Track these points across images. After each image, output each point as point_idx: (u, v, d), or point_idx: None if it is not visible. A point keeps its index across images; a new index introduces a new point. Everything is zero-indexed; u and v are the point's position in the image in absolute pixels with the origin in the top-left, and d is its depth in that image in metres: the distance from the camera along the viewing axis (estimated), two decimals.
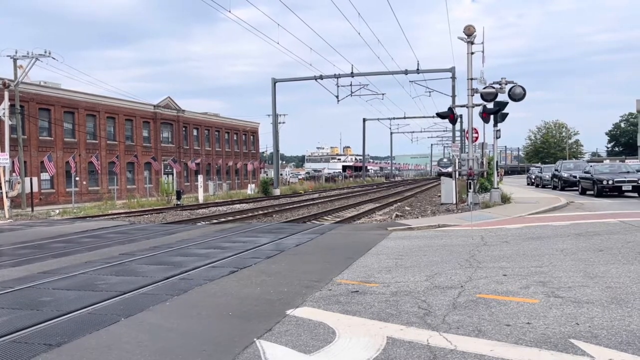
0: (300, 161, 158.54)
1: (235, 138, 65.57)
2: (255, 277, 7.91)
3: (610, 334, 4.66)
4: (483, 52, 18.69)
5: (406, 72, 38.19)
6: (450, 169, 64.08)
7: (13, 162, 31.05)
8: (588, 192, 25.08)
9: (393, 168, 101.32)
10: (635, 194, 22.82)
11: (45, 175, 38.11)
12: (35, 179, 31.12)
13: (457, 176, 20.12)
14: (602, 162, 41.03)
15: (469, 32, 18.38)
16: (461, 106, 20.73)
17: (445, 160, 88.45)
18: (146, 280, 7.66)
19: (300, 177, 77.50)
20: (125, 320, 5.63)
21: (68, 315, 5.81)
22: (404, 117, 69.09)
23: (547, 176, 35.19)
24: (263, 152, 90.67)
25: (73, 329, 5.29)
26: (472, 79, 18.73)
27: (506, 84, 18.44)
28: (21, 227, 18.47)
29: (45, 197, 37.40)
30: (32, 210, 27.24)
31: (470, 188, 18.37)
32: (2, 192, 24.40)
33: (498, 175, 47.31)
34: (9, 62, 32.23)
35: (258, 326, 5.29)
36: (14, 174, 27.38)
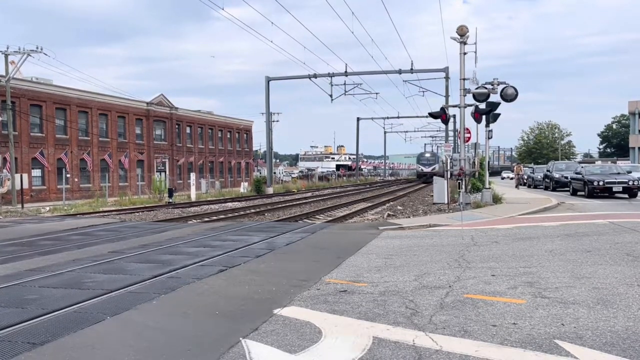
0: (293, 160, 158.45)
1: (228, 136, 65.38)
2: (243, 276, 7.88)
3: (595, 334, 4.68)
4: (476, 52, 18.77)
5: (400, 72, 38.22)
6: (436, 168, 60.92)
7: (4, 159, 30.85)
8: (579, 193, 25.22)
9: (387, 167, 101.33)
10: (626, 195, 22.97)
11: (36, 172, 37.86)
12: (25, 176, 30.89)
13: (448, 176, 20.14)
14: (594, 163, 41.18)
15: (462, 32, 18.41)
16: (454, 106, 20.78)
17: (427, 155, 69.24)
18: (134, 279, 7.62)
19: (293, 175, 77.41)
20: (111, 319, 5.59)
21: (53, 314, 5.76)
22: (398, 117, 69.23)
23: (539, 177, 35.35)
24: (256, 151, 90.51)
25: (58, 328, 5.24)
26: (464, 79, 18.77)
27: (498, 85, 18.50)
28: (10, 224, 18.32)
29: (36, 194, 37.13)
30: (22, 207, 27.04)
31: (460, 188, 18.41)
32: None
33: (514, 174, 39.18)
34: (0, 57, 32.01)
35: (244, 325, 5.27)
36: (4, 171, 27.19)
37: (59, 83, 41.64)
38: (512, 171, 45.68)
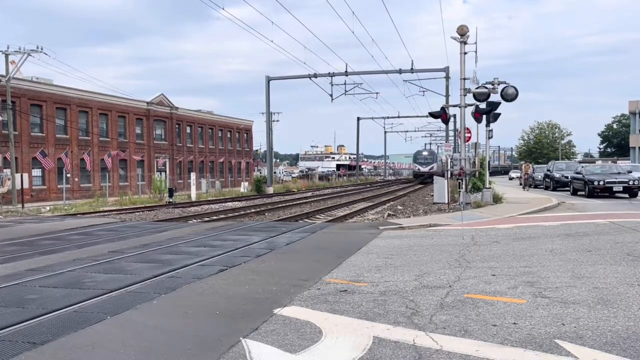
0: (294, 160, 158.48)
1: (229, 136, 65.38)
2: (244, 275, 7.88)
3: (595, 334, 4.68)
4: (476, 52, 18.77)
5: (400, 72, 38.20)
6: (434, 167, 59.11)
7: (5, 159, 30.86)
8: (579, 193, 25.21)
9: (387, 167, 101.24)
10: (626, 195, 22.96)
11: (36, 172, 37.86)
12: (26, 176, 30.89)
13: (449, 175, 20.14)
14: (594, 163, 40.94)
15: (462, 32, 18.41)
16: (454, 106, 20.77)
17: (425, 153, 63.00)
18: (134, 278, 7.62)
19: (294, 175, 77.42)
20: (112, 318, 5.59)
21: (53, 314, 5.76)
22: (398, 117, 69.20)
23: (540, 176, 35.30)
24: (257, 150, 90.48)
25: (58, 328, 5.24)
26: (465, 78, 18.77)
27: (499, 84, 18.50)
28: (10, 224, 18.32)
29: (37, 193, 37.14)
30: (23, 207, 27.05)
31: (461, 187, 18.42)
32: None
33: (522, 173, 32.85)
34: (1, 57, 32.01)
35: (245, 325, 5.27)
36: (5, 170, 27.20)
37: (59, 83, 41.68)
38: (521, 169, 38.83)
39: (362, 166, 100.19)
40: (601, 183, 23.23)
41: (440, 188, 21.78)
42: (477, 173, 20.64)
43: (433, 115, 21.08)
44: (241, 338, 4.85)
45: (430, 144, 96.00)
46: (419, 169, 59.86)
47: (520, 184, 40.12)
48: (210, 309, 6.00)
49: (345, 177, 74.80)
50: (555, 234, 11.54)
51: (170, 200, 30.56)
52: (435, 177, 26.23)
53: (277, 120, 59.12)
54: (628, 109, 60.76)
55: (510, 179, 58.08)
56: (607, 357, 4.15)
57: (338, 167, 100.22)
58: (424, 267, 8.18)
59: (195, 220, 19.61)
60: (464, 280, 7.10)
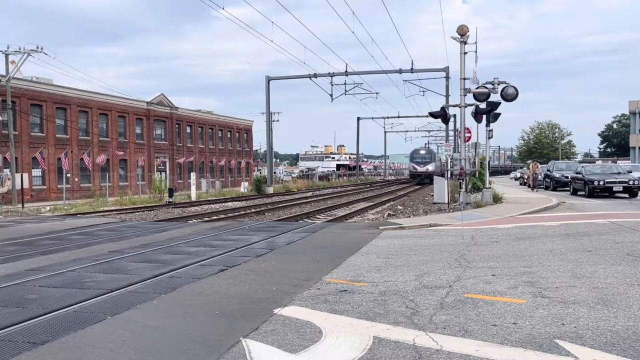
0: (294, 159, 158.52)
1: (229, 136, 65.36)
2: (244, 275, 7.88)
3: (595, 334, 4.68)
4: (476, 52, 18.75)
5: (400, 72, 38.19)
6: (432, 167, 57.85)
7: (5, 159, 30.87)
8: (579, 193, 25.21)
9: (387, 167, 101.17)
10: (626, 195, 22.96)
11: (36, 172, 37.86)
12: (26, 175, 30.88)
13: (449, 175, 20.14)
14: (594, 162, 40.68)
15: (462, 32, 18.40)
16: (454, 106, 20.77)
17: (422, 152, 59.24)
18: (134, 278, 7.62)
19: (294, 175, 77.40)
20: (112, 318, 5.59)
21: (54, 313, 5.77)
22: (398, 117, 69.08)
23: (540, 176, 35.24)
24: (257, 150, 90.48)
25: (58, 327, 5.24)
26: (465, 78, 18.76)
27: (499, 84, 18.49)
28: (10, 224, 18.32)
29: (37, 193, 37.14)
30: (23, 207, 27.05)
31: (461, 187, 18.42)
32: None
33: (530, 173, 29.00)
34: (1, 57, 32.02)
35: (245, 325, 5.27)
36: (5, 170, 27.21)
37: (59, 83, 41.67)
38: (529, 169, 35.17)
39: (362, 166, 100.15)
40: (601, 183, 23.23)
41: (440, 188, 21.78)
42: (477, 173, 20.64)
43: (433, 115, 21.07)
44: (241, 338, 4.85)
45: (429, 143, 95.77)
46: (415, 169, 56.78)
47: (522, 184, 40.02)
48: (210, 309, 6.00)
49: (345, 177, 74.80)
50: (555, 233, 11.54)
51: (170, 200, 30.56)
52: (435, 177, 26.19)
53: (277, 120, 59.21)
54: (628, 109, 60.76)
55: (516, 179, 55.78)
56: (607, 357, 4.15)
57: (338, 167, 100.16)
58: (424, 267, 8.18)
59: (195, 220, 19.62)
60: (464, 280, 7.10)
